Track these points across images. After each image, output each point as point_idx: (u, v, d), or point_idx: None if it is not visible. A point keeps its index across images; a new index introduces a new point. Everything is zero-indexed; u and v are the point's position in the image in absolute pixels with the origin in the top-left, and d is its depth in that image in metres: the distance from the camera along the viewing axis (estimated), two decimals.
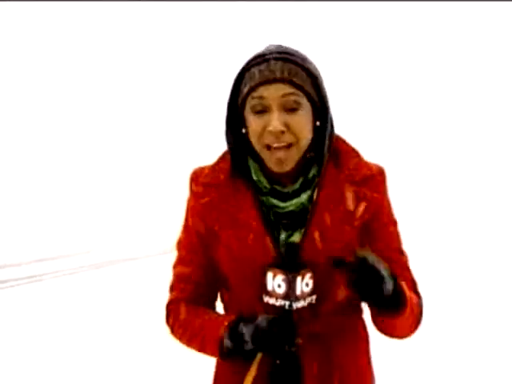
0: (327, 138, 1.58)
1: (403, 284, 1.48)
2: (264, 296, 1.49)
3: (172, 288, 1.69)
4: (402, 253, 1.65)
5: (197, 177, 1.64)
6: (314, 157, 1.59)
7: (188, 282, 1.65)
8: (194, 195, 1.63)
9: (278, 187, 1.58)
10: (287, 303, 1.46)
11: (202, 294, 1.66)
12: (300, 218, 1.56)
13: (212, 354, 1.59)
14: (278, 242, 1.55)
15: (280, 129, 1.49)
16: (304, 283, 1.47)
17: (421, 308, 1.62)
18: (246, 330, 1.48)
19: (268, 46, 1.58)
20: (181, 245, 1.69)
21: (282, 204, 1.56)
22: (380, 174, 1.63)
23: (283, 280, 1.46)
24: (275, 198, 1.57)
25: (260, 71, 1.50)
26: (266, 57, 1.52)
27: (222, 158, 1.65)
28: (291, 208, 1.56)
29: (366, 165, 1.63)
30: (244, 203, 1.57)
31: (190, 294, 1.65)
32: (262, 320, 1.47)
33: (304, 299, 1.48)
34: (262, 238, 1.55)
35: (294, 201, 1.56)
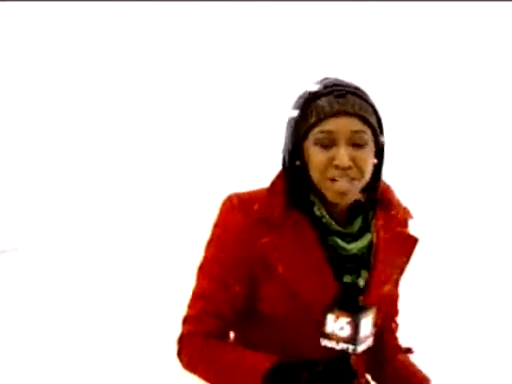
0: (380, 177, 1.57)
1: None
2: (322, 339, 1.42)
3: (189, 319, 1.57)
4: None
5: (245, 209, 1.52)
6: (367, 197, 1.55)
7: (213, 317, 1.55)
8: (245, 230, 1.51)
9: (339, 227, 1.51)
10: (351, 347, 1.40)
11: (223, 331, 1.57)
12: (362, 262, 1.53)
13: None
14: (341, 285, 1.50)
15: (348, 164, 1.45)
16: (366, 326, 1.42)
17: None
18: (302, 375, 1.41)
19: (330, 78, 1.54)
20: (209, 276, 1.56)
21: (347, 246, 1.51)
22: (411, 215, 1.65)
23: (348, 323, 1.39)
24: (340, 239, 1.51)
25: (330, 103, 1.46)
26: (338, 88, 1.48)
27: (272, 190, 1.55)
28: (355, 251, 1.51)
29: (400, 203, 1.64)
30: (308, 243, 1.51)
31: (211, 328, 1.55)
32: (319, 365, 1.41)
33: (365, 342, 1.43)
34: (329, 282, 1.50)
35: (359, 243, 1.52)
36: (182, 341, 1.58)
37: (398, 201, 1.63)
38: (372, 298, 1.51)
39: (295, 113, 1.51)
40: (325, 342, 1.42)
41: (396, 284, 1.62)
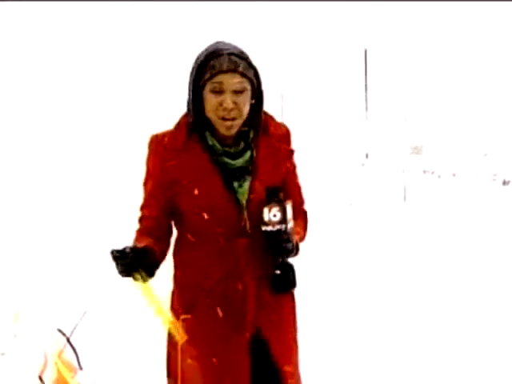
0: (261, 112, 2.22)
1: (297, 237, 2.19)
2: (263, 226, 2.08)
3: (138, 220, 2.28)
4: (299, 183, 2.36)
5: (158, 142, 2.20)
6: (249, 126, 2.20)
7: (149, 219, 2.25)
8: (158, 157, 2.19)
9: (227, 149, 2.17)
10: (283, 226, 2.07)
11: (157, 228, 2.25)
12: (246, 171, 2.18)
13: None
14: (233, 189, 2.16)
15: (231, 106, 2.10)
16: (289, 210, 2.09)
17: (305, 222, 2.35)
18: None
19: (219, 43, 2.15)
20: (146, 191, 2.26)
21: (232, 162, 2.17)
22: (288, 131, 2.32)
23: (278, 210, 2.06)
24: (226, 157, 2.16)
25: (220, 63, 2.09)
26: (224, 52, 2.10)
27: (178, 127, 2.21)
28: (239, 164, 2.17)
29: (279, 125, 2.30)
30: (204, 163, 2.16)
31: (147, 226, 2.25)
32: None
33: (290, 223, 2.09)
34: (221, 187, 2.15)
35: (241, 159, 2.17)
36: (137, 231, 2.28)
37: (275, 123, 2.29)
38: (257, 192, 2.15)
39: (196, 67, 2.13)
40: (265, 228, 2.08)
41: (279, 180, 2.23)
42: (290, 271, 2.13)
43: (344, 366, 4.32)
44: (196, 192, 2.15)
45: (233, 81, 2.09)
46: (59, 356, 3.44)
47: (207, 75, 2.10)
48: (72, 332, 3.62)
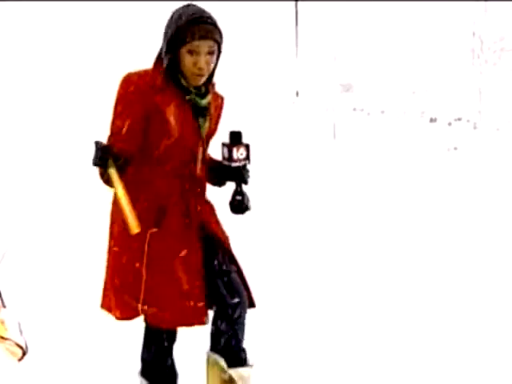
0: (217, 65, 2.73)
1: None
2: (231, 163, 2.66)
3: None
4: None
5: (139, 78, 2.64)
6: (209, 75, 2.72)
7: (128, 152, 2.58)
8: (140, 91, 2.61)
9: (196, 91, 2.68)
10: (247, 161, 2.69)
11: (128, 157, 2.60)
12: (207, 110, 2.73)
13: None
14: (198, 124, 2.71)
15: (204, 66, 2.63)
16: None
17: None
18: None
19: (193, 7, 2.64)
20: (118, 123, 2.59)
21: (200, 101, 2.69)
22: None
23: (244, 149, 2.67)
24: (197, 96, 2.68)
25: (198, 31, 2.59)
26: (200, 19, 2.60)
27: (154, 69, 2.68)
28: (204, 104, 2.71)
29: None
30: (179, 99, 2.66)
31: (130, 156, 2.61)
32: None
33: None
34: (191, 121, 2.69)
35: (205, 100, 2.70)
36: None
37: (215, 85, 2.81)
38: (210, 130, 2.75)
39: (175, 29, 2.59)
40: (233, 164, 2.65)
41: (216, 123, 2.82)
42: (246, 197, 2.70)
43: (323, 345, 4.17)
44: (172, 122, 2.62)
45: (206, 45, 2.60)
46: None
47: (187, 39, 2.59)
48: None
